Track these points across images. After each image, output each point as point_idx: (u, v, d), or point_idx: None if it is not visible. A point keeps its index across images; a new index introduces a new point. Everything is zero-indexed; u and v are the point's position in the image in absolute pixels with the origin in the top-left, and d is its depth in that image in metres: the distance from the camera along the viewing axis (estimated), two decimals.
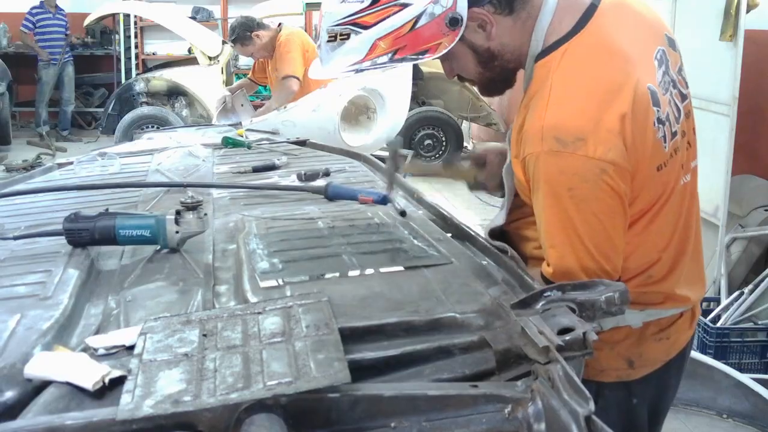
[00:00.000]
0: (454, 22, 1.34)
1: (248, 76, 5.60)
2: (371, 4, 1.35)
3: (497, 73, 1.47)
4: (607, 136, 1.28)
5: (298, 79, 5.07)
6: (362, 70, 1.40)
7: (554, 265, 1.37)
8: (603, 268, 1.35)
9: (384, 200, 1.75)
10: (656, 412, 1.62)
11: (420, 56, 1.37)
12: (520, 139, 1.37)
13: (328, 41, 1.40)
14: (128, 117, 7.84)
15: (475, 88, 1.58)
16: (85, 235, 1.50)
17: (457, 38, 1.36)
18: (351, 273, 1.37)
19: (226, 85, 7.53)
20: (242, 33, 4.97)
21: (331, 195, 1.84)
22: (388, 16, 1.34)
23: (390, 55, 1.36)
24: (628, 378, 1.53)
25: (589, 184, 1.30)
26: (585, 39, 1.37)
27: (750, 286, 3.83)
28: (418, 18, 1.33)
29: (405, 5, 1.34)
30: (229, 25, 5.34)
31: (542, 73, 1.37)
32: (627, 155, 1.30)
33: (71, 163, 2.57)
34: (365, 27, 1.36)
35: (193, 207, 1.53)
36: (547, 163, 1.31)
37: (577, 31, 1.37)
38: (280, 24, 5.25)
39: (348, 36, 1.38)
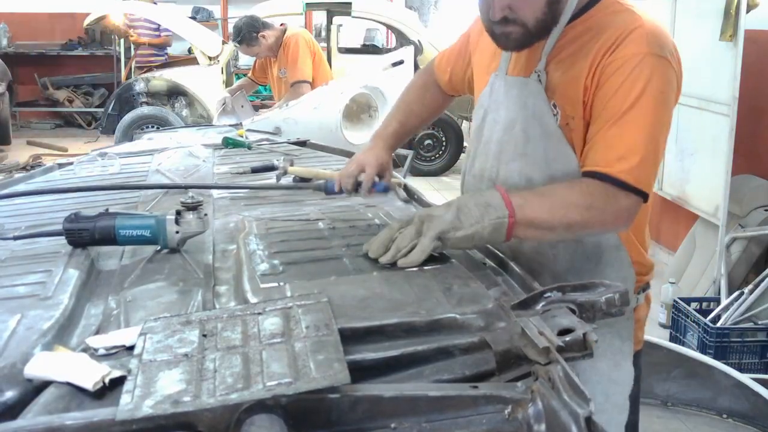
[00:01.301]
0: None
1: (248, 75, 5.60)
2: None
3: (551, 20, 1.48)
4: (678, 55, 1.47)
5: (309, 83, 5.09)
6: None
7: (637, 164, 1.41)
8: (652, 177, 1.47)
9: (386, 189, 1.83)
10: None
11: None
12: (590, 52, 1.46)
13: None
14: (128, 117, 7.84)
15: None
16: (85, 235, 1.50)
17: None
18: (351, 274, 1.37)
19: (226, 86, 7.54)
20: (248, 33, 4.97)
21: (330, 190, 1.84)
22: None
23: None
24: (640, 346, 1.70)
25: (673, 92, 1.46)
26: None
27: (750, 286, 3.84)
28: None
29: None
30: (232, 25, 5.32)
31: (604, 10, 1.49)
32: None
33: (71, 163, 2.58)
34: None
35: (194, 207, 1.53)
36: (652, 65, 1.40)
37: None
38: (282, 24, 5.25)
39: None
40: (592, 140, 1.46)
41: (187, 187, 2.03)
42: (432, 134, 7.92)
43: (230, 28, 9.73)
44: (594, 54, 1.45)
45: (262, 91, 7.67)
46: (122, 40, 9.65)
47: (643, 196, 1.43)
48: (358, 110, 6.04)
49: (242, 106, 5.25)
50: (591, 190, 1.42)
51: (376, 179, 1.79)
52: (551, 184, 1.49)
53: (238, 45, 5.16)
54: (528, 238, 1.47)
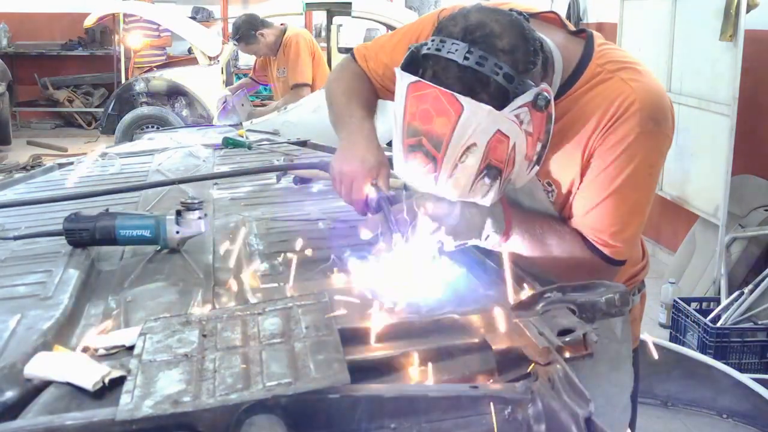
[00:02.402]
0: (546, 104, 1.27)
1: (249, 75, 5.60)
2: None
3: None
4: (672, 111, 1.41)
5: (309, 86, 5.08)
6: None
7: (623, 240, 1.41)
8: (635, 249, 1.50)
9: (382, 202, 1.44)
10: None
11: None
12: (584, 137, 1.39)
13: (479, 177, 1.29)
14: (128, 117, 7.83)
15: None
16: (85, 235, 1.50)
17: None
18: (351, 274, 1.37)
19: (226, 86, 7.53)
20: (246, 32, 4.96)
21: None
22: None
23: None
24: (637, 336, 1.68)
25: (661, 160, 1.43)
26: (603, 47, 1.43)
27: (750, 286, 3.84)
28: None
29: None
30: (231, 23, 5.30)
31: (590, 83, 1.39)
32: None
33: (71, 163, 2.58)
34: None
35: (194, 207, 1.53)
36: (643, 145, 1.35)
37: (588, 59, 1.41)
38: (282, 23, 5.25)
39: (493, 179, 1.29)
40: (581, 196, 1.43)
41: (182, 182, 2.01)
42: None
43: (230, 28, 9.77)
44: (587, 138, 1.39)
45: (262, 91, 7.64)
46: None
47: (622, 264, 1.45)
48: None
49: (243, 105, 5.25)
50: (578, 256, 1.42)
51: (372, 192, 1.47)
52: (548, 223, 1.45)
53: (236, 43, 5.16)
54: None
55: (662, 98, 1.39)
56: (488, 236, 1.40)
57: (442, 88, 1.21)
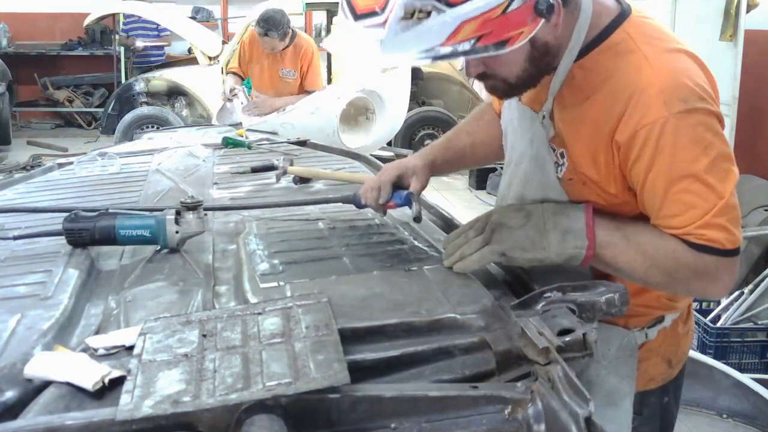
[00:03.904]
0: (549, 9, 1.18)
1: (233, 69, 5.47)
2: None
3: (539, 72, 1.33)
4: (711, 92, 1.28)
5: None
6: (440, 58, 1.19)
7: (721, 225, 1.24)
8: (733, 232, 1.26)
9: (407, 200, 1.56)
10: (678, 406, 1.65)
11: (501, 47, 1.18)
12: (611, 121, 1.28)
13: (403, 19, 1.14)
14: (128, 117, 7.83)
15: (480, 88, 1.47)
16: (85, 235, 1.50)
17: (538, 27, 1.20)
18: (351, 274, 1.37)
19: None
20: (287, 27, 4.91)
21: (358, 204, 1.65)
22: None
23: (473, 41, 1.16)
24: (668, 379, 1.56)
25: (718, 137, 1.26)
26: (639, 14, 1.34)
27: (750, 286, 3.83)
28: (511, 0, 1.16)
29: None
30: (264, 14, 5.10)
31: (613, 51, 1.30)
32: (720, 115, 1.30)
33: (71, 162, 2.57)
34: (451, 5, 1.13)
35: (193, 207, 1.53)
36: (678, 127, 1.22)
37: (619, 22, 1.32)
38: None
39: (429, 14, 1.14)
40: (649, 202, 1.30)
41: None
42: (432, 134, 7.90)
43: (230, 28, 9.76)
44: (613, 121, 1.28)
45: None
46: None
47: (738, 252, 1.27)
48: (355, 113, 6.04)
49: (242, 103, 5.22)
50: (678, 256, 1.26)
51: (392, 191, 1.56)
52: (639, 224, 1.32)
53: (274, 36, 4.90)
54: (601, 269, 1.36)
55: (689, 76, 1.26)
56: (570, 255, 1.29)
57: None
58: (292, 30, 5.13)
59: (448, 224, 1.74)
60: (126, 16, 9.10)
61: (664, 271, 1.28)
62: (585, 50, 1.32)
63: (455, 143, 1.72)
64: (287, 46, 5.08)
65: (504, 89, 1.36)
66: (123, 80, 8.80)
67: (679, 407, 1.64)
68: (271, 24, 4.91)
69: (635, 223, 1.33)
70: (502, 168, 1.62)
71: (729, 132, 3.99)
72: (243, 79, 5.38)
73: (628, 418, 1.42)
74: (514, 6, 1.16)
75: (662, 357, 1.53)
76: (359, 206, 1.64)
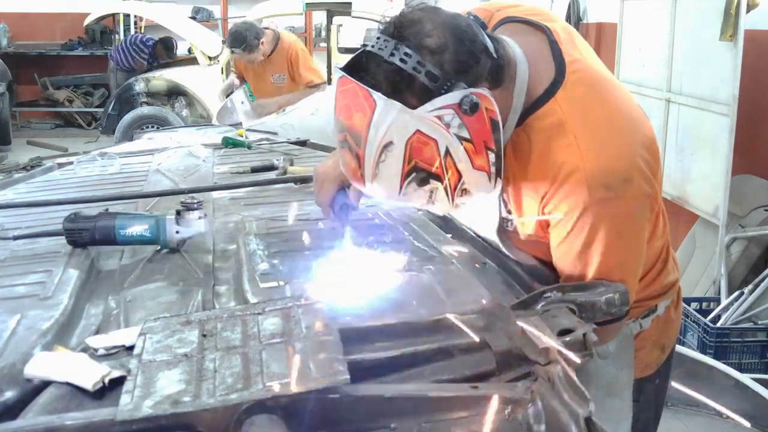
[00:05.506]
0: (474, 107, 1.19)
1: (234, 71, 5.51)
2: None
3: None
4: (644, 169, 1.27)
5: (325, 83, 5.09)
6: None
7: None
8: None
9: (347, 208, 1.52)
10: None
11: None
12: (538, 196, 1.31)
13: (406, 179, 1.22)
14: (128, 117, 7.84)
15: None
16: (85, 235, 1.50)
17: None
18: (351, 274, 1.37)
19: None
20: (252, 40, 4.89)
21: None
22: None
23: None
24: (660, 363, 1.61)
25: (636, 220, 1.30)
26: (577, 77, 1.31)
27: (750, 286, 3.83)
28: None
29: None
30: (230, 29, 5.15)
31: (544, 124, 1.29)
32: (652, 181, 1.30)
33: (71, 163, 2.57)
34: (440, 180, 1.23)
35: (194, 207, 1.53)
36: (597, 214, 1.25)
37: (562, 72, 1.31)
38: (267, 27, 5.19)
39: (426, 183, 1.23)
40: (559, 260, 1.35)
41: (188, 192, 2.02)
42: None
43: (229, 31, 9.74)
44: (535, 190, 1.32)
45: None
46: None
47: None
48: None
49: (242, 103, 5.22)
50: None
51: (340, 197, 1.54)
52: None
53: (241, 52, 4.97)
54: None
55: (619, 156, 1.26)
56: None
57: (359, 83, 1.18)
58: (275, 33, 5.11)
59: (447, 224, 1.74)
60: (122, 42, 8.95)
61: None
62: (524, 115, 1.31)
63: None
64: (272, 52, 5.06)
65: (497, 176, 1.34)
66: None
67: (669, 382, 1.68)
68: (234, 41, 4.91)
69: None
70: None
71: (729, 132, 3.98)
72: (244, 81, 5.42)
73: (628, 408, 1.45)
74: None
75: (656, 344, 1.57)
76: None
